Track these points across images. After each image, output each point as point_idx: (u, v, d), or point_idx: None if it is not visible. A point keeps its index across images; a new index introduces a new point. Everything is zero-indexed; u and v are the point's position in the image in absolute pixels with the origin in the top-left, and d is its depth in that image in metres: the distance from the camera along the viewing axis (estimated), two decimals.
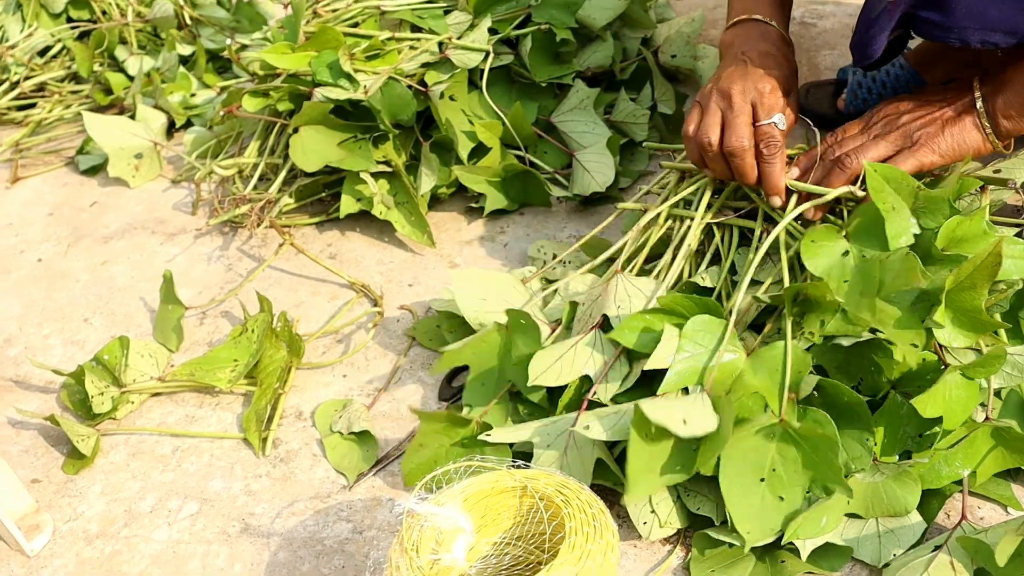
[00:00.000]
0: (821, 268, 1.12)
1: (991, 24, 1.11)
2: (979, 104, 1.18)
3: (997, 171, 1.17)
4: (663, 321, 1.14)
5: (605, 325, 1.21)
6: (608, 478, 1.13)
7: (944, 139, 1.19)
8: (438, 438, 1.20)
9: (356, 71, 1.61)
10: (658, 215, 1.33)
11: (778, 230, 1.18)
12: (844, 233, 1.14)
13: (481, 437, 1.16)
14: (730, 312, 1.14)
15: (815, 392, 1.08)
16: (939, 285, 1.02)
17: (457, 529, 0.92)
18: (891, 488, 1.04)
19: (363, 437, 1.29)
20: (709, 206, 1.31)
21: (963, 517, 1.03)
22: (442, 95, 1.60)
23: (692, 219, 1.30)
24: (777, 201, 1.22)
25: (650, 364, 1.11)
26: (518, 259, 1.58)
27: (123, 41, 2.22)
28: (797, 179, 1.23)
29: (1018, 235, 1.24)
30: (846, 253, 1.13)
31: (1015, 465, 1.07)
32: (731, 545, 1.06)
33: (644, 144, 1.61)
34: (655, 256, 1.34)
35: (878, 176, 1.11)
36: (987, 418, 1.05)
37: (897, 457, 1.07)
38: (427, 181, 1.61)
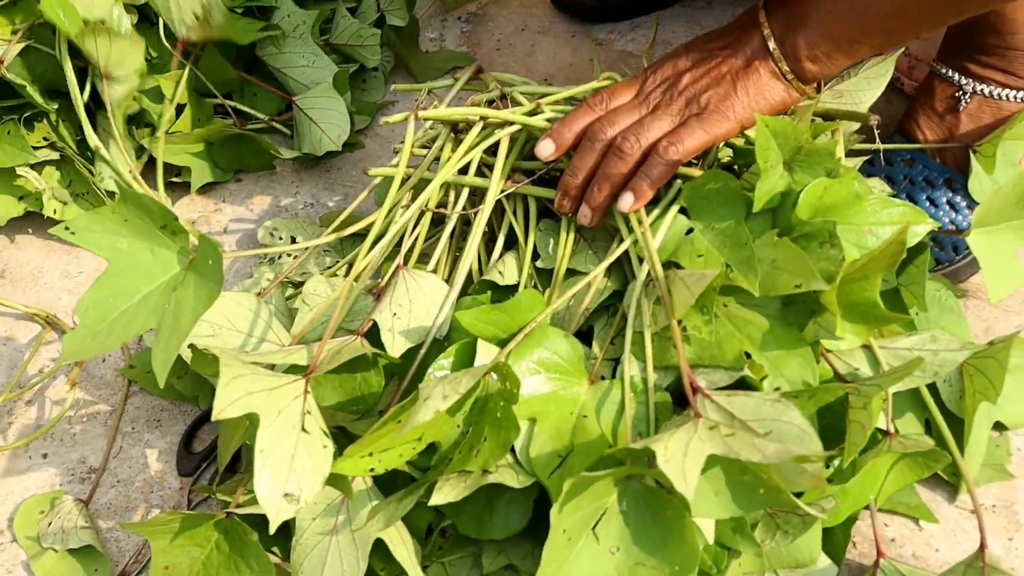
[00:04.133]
0: (668, 250, 0.87)
1: None
2: (772, 46, 0.91)
3: (838, 96, 0.95)
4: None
5: (373, 334, 0.90)
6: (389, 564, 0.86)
7: (739, 100, 0.91)
8: (185, 552, 0.88)
9: None
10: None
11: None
12: (673, 208, 0.89)
13: (233, 511, 0.85)
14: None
15: None
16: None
17: None
18: None
19: (87, 552, 0.96)
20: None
21: (879, 553, 0.84)
22: None
23: (473, 189, 1.00)
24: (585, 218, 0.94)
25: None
26: (247, 243, 1.25)
27: None
28: (551, 156, 0.94)
29: (868, 163, 1.06)
30: (690, 231, 0.88)
31: (919, 478, 0.87)
32: None
33: (393, 87, 1.24)
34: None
35: (767, 132, 0.84)
36: (887, 432, 0.84)
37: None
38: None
